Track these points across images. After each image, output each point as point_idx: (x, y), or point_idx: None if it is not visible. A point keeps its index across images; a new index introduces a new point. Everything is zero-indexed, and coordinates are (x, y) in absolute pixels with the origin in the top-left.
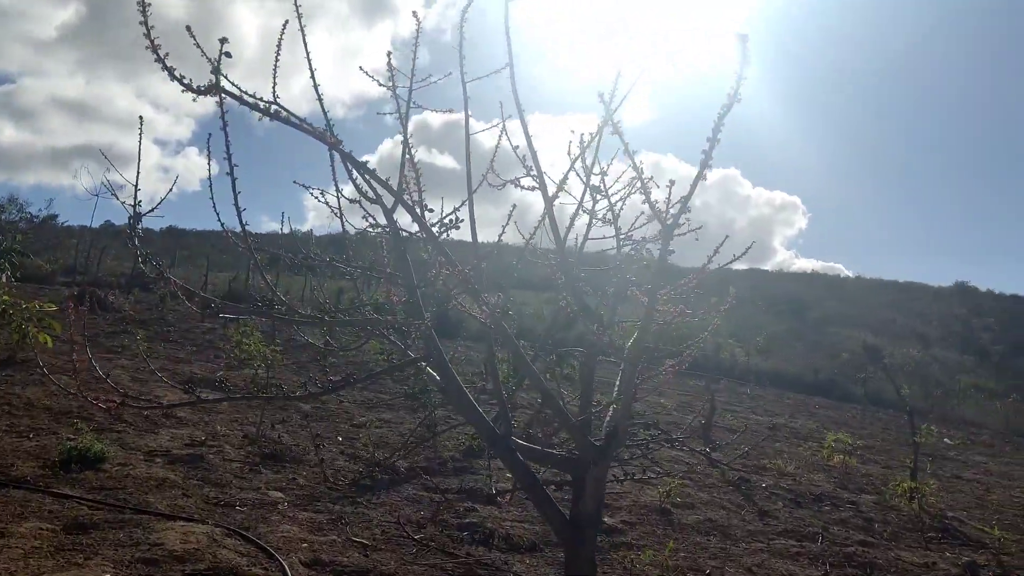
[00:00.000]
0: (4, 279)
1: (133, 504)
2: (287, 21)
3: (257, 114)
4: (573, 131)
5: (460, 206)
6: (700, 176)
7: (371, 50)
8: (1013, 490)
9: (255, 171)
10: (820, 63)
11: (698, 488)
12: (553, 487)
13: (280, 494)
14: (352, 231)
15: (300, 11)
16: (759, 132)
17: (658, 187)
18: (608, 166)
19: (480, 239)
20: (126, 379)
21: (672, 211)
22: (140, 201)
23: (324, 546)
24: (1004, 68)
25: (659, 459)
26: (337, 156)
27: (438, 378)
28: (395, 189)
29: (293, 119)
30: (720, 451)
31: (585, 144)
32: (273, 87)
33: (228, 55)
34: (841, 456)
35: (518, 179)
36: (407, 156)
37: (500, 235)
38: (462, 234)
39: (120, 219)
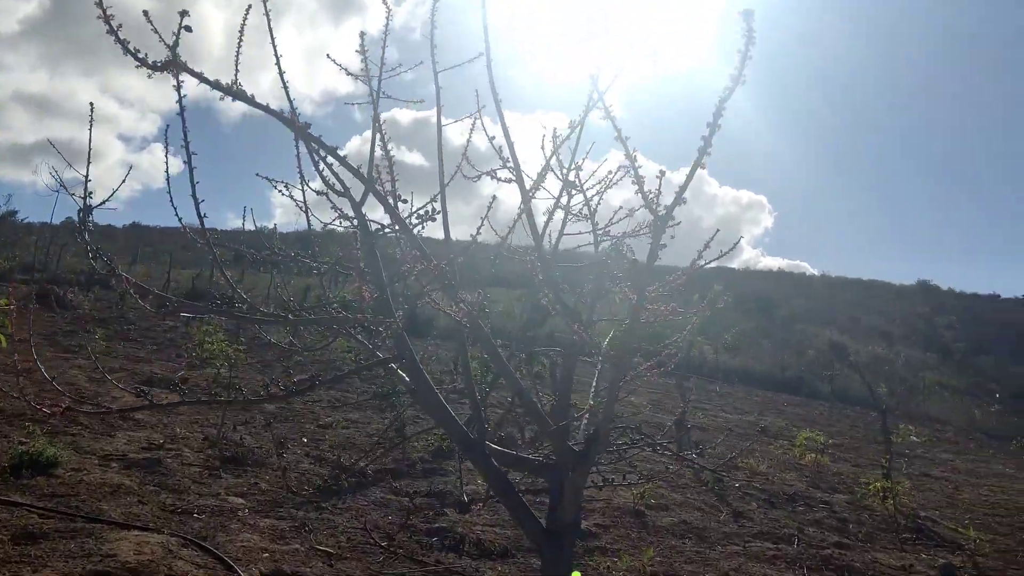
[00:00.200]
0: None
1: (86, 512)
2: (250, 5)
3: (223, 98)
4: (545, 127)
5: (433, 198)
6: (698, 164)
7: (339, 47)
8: (980, 488)
9: (222, 167)
10: (789, 63)
11: (671, 488)
12: (528, 494)
13: (241, 500)
14: (319, 227)
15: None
16: (727, 131)
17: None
18: (583, 161)
19: (451, 236)
20: (82, 379)
21: (664, 202)
22: (92, 193)
23: (286, 556)
24: (968, 72)
25: (633, 460)
26: (303, 148)
27: (408, 379)
28: (366, 177)
29: (256, 101)
30: (695, 451)
31: (563, 137)
32: (235, 69)
33: (188, 29)
34: (813, 455)
35: (494, 171)
36: (379, 142)
37: (478, 228)
38: (433, 231)
39: (96, 208)
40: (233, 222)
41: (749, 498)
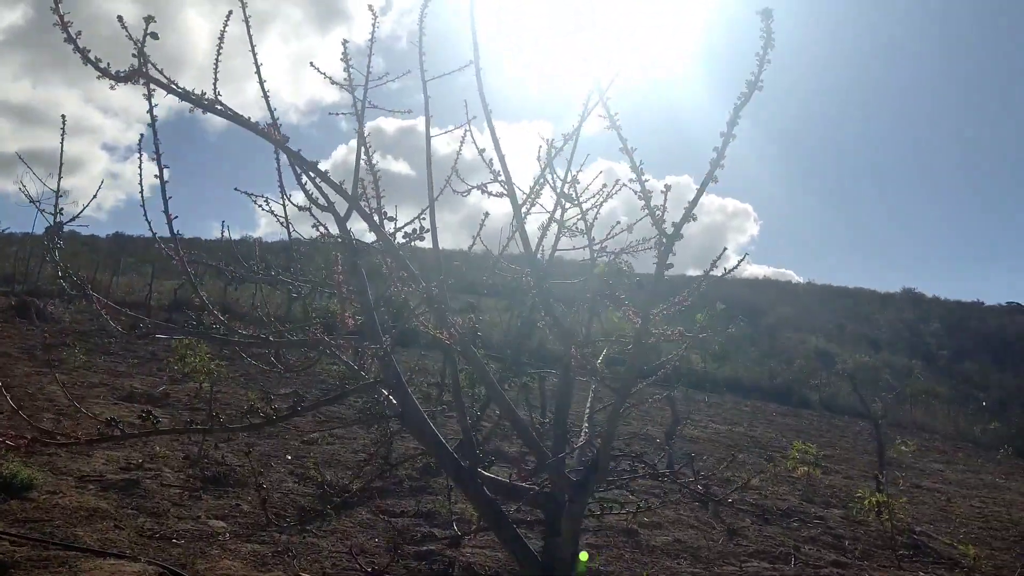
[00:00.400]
0: None
1: (60, 538)
2: (230, 12)
3: (196, 109)
4: (542, 137)
5: (421, 213)
6: (710, 177)
7: (326, 56)
8: (972, 500)
9: (206, 178)
10: (772, 71)
11: (662, 503)
12: (522, 525)
13: (222, 523)
14: (301, 243)
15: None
16: (711, 139)
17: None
18: (578, 172)
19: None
20: (61, 395)
21: (670, 219)
22: (63, 210)
23: None
24: (950, 81)
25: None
26: (284, 159)
27: (395, 403)
28: (350, 194)
29: (231, 112)
30: (699, 480)
31: (558, 148)
32: (214, 79)
33: (154, 36)
34: (805, 467)
35: (485, 185)
36: (364, 156)
37: (469, 247)
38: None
39: (67, 225)
40: (218, 232)
41: (743, 514)
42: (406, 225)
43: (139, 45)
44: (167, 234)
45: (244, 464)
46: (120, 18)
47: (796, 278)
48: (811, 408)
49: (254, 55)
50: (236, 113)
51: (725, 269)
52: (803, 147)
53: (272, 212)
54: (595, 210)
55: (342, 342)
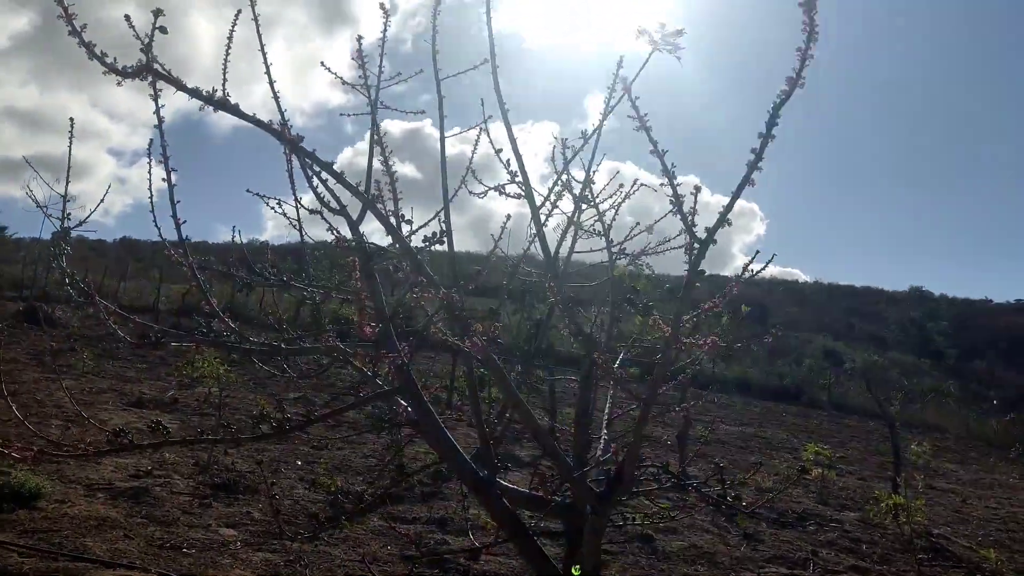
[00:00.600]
0: None
1: (69, 549)
2: (239, 11)
3: (202, 108)
4: (556, 137)
5: (436, 215)
6: (747, 180)
7: (331, 60)
8: (988, 501)
9: (213, 180)
10: (777, 69)
11: (676, 506)
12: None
13: (232, 531)
14: (312, 245)
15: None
16: (717, 139)
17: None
18: (594, 173)
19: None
20: (69, 402)
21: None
22: (69, 215)
23: None
24: (958, 75)
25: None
26: (296, 162)
27: (412, 412)
28: (366, 196)
29: (241, 111)
30: (729, 493)
31: (576, 147)
32: (223, 79)
33: (163, 30)
34: (820, 469)
35: (503, 186)
36: (380, 156)
37: (491, 252)
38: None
39: (74, 230)
40: (224, 235)
41: (758, 517)
42: (420, 228)
43: (147, 39)
44: (175, 238)
45: (254, 471)
46: (127, 17)
47: (803, 277)
48: (821, 408)
49: (263, 54)
50: (248, 115)
51: (751, 270)
52: (809, 145)
53: (285, 215)
54: (613, 211)
55: (358, 352)
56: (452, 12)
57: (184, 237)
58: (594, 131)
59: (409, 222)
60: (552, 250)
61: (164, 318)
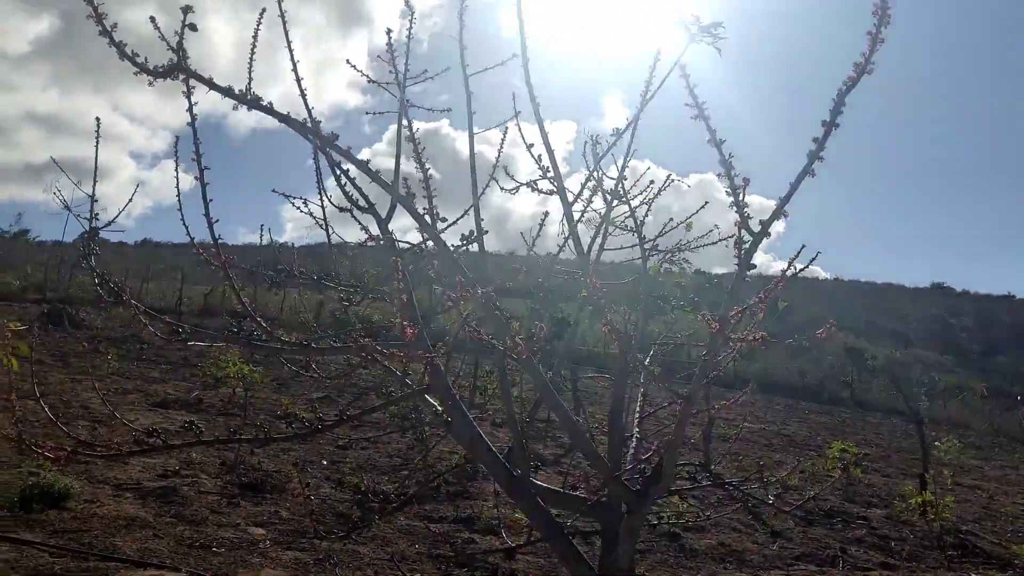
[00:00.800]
0: None
1: (99, 549)
2: (264, 9)
3: (236, 107)
4: (587, 133)
5: (464, 213)
6: (807, 171)
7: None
8: (1015, 497)
9: (230, 182)
10: (795, 65)
11: (703, 505)
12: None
13: (261, 530)
14: (336, 246)
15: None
16: (735, 135)
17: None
18: (625, 167)
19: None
20: (96, 403)
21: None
22: (97, 215)
23: None
24: (976, 72)
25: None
26: (324, 161)
27: (442, 412)
28: (400, 192)
29: (274, 109)
30: (771, 492)
31: (611, 143)
32: (248, 77)
33: (193, 28)
34: (846, 467)
35: (535, 181)
36: (413, 152)
37: (528, 250)
38: (452, 239)
39: (102, 231)
40: (244, 236)
41: (784, 515)
42: (450, 225)
43: (177, 36)
44: (200, 238)
45: (280, 470)
46: (153, 19)
47: (823, 274)
48: (843, 405)
49: (291, 51)
50: (280, 112)
51: (796, 268)
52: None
53: (310, 213)
54: (645, 207)
55: (394, 352)
56: (468, 14)
57: (218, 237)
58: (628, 126)
59: (443, 220)
60: (584, 247)
61: (186, 319)
